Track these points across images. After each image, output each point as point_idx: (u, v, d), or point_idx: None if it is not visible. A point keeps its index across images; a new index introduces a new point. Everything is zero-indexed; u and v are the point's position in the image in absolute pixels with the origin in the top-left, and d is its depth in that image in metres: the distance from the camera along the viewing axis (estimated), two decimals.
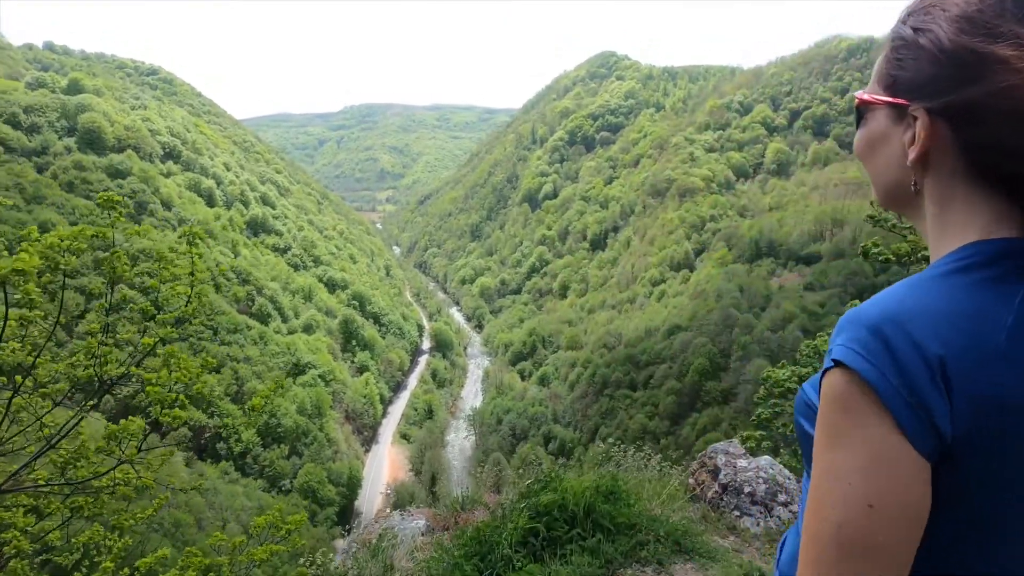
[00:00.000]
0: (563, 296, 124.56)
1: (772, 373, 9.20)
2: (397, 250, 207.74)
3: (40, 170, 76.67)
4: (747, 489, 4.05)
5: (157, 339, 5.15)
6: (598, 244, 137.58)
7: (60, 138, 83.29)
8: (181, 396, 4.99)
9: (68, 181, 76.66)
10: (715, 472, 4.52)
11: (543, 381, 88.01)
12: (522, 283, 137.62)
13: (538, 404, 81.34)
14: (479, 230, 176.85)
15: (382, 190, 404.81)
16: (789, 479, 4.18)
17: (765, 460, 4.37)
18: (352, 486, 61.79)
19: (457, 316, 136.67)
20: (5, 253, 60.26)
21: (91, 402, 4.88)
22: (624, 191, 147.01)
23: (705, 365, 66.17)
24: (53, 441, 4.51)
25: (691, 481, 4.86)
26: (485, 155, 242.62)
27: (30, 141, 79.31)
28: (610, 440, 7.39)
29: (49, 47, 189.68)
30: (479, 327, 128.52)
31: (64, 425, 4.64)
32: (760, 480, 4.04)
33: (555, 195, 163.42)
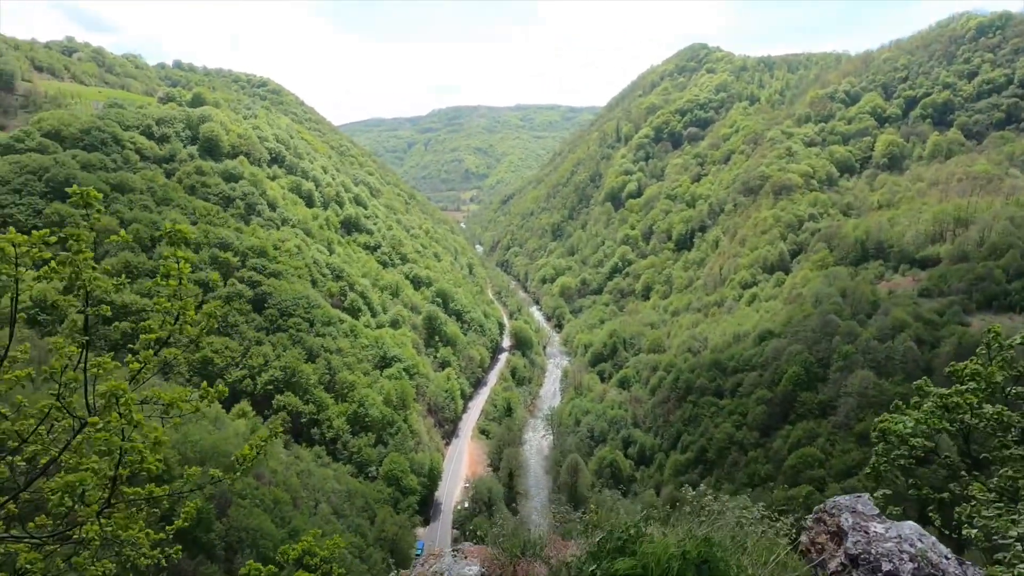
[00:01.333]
0: (646, 297, 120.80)
1: (891, 423, 7.62)
2: (480, 248, 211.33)
3: (168, 175, 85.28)
4: (886, 567, 3.07)
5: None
6: (684, 244, 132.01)
7: (185, 146, 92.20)
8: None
9: (190, 185, 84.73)
10: (839, 535, 3.56)
11: (623, 384, 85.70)
12: (603, 283, 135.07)
13: (618, 407, 79.31)
14: (560, 229, 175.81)
15: (466, 190, 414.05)
16: (947, 559, 3.09)
17: (910, 528, 3.28)
18: (433, 477, 63.43)
19: (537, 315, 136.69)
20: (138, 248, 67.22)
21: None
22: (713, 189, 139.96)
23: (800, 374, 61.28)
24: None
25: (805, 540, 3.93)
26: (568, 154, 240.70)
27: (160, 149, 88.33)
28: (701, 488, 6.34)
29: (178, 65, 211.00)
30: (559, 326, 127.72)
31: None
32: (904, 556, 3.04)
33: (639, 194, 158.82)
